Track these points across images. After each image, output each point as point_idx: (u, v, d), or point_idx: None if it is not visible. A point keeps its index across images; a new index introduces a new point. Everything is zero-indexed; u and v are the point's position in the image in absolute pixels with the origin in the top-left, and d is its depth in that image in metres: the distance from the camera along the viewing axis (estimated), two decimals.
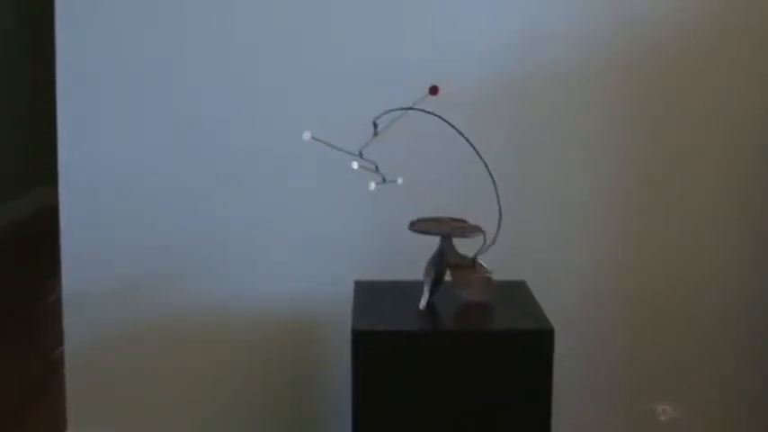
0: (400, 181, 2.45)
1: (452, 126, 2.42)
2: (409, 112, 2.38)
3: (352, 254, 2.95)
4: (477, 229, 2.45)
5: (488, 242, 2.44)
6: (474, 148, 2.41)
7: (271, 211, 3.00)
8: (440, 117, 2.40)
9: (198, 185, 2.99)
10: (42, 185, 5.65)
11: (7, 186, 6.04)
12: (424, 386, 2.36)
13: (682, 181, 3.03)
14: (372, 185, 2.40)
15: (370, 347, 2.36)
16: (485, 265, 2.45)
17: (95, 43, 2.94)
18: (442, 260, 2.47)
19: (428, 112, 2.39)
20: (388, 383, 2.36)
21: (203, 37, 2.94)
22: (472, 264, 2.45)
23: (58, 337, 3.10)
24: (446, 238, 2.46)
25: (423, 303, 2.46)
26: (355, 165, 2.40)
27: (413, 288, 2.48)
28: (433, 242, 2.48)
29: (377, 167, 2.40)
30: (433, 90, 2.37)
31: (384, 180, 2.41)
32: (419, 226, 2.47)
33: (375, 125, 2.38)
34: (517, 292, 2.58)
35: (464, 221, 2.49)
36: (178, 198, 3.00)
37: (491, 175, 2.41)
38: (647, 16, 2.94)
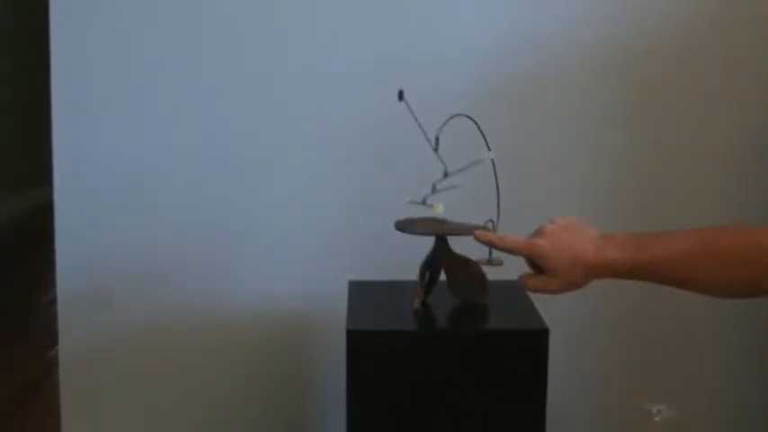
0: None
1: (478, 128, 2.39)
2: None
3: (347, 253, 2.95)
4: (473, 228, 2.42)
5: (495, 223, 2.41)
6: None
7: (268, 211, 3.00)
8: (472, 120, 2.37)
9: (195, 185, 2.99)
10: (38, 185, 5.66)
11: (3, 185, 6.05)
12: (418, 386, 2.34)
13: (680, 181, 3.02)
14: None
15: (364, 347, 2.34)
16: (479, 263, 2.43)
17: (91, 41, 2.94)
18: (437, 260, 2.45)
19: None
20: (382, 383, 2.35)
21: (202, 36, 2.93)
22: (466, 262, 2.44)
23: (52, 338, 3.09)
24: (441, 238, 2.44)
25: (417, 303, 2.44)
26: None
27: (407, 288, 2.47)
28: (427, 242, 2.46)
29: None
30: (400, 95, 2.33)
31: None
32: (416, 226, 2.44)
33: (437, 139, 2.32)
34: (512, 292, 2.56)
35: (446, 220, 2.45)
36: (174, 198, 3.00)
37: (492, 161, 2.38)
38: (645, 16, 2.93)
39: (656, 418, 2.98)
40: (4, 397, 3.62)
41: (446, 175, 2.34)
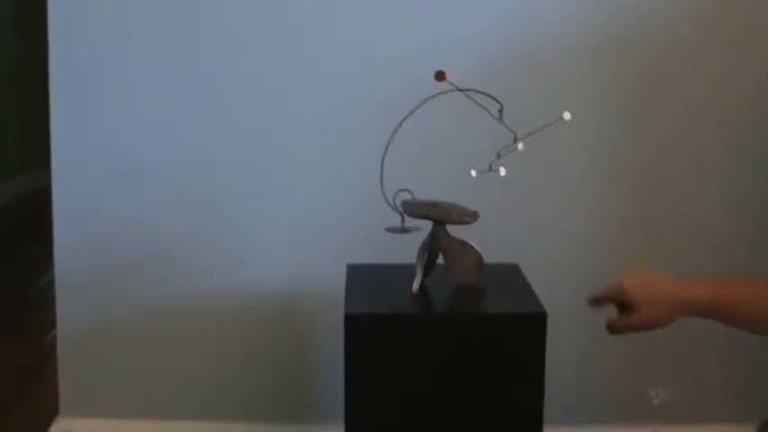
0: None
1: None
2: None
3: (345, 236, 2.95)
4: (470, 214, 2.43)
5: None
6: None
7: (265, 196, 3.00)
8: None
9: (193, 170, 3.00)
10: (35, 168, 5.66)
11: (1, 169, 6.05)
12: (416, 369, 2.34)
13: (677, 168, 3.02)
14: (473, 173, 2.36)
15: (362, 330, 2.34)
16: (476, 246, 2.43)
17: (89, 29, 2.94)
18: (435, 243, 2.45)
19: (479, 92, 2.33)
20: (380, 366, 2.35)
21: (201, 27, 2.93)
22: (464, 246, 2.43)
23: (50, 321, 3.09)
24: (438, 222, 2.44)
25: (415, 286, 2.44)
26: (474, 173, 2.36)
27: (405, 271, 2.47)
28: (425, 224, 2.46)
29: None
30: (440, 75, 2.31)
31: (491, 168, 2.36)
32: (412, 209, 2.44)
33: (500, 110, 2.32)
34: (510, 276, 2.57)
35: (453, 204, 2.45)
36: (172, 182, 3.00)
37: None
38: (645, 5, 2.92)
39: (655, 401, 3.00)
40: (3, 381, 3.63)
41: (515, 140, 2.34)
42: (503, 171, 2.35)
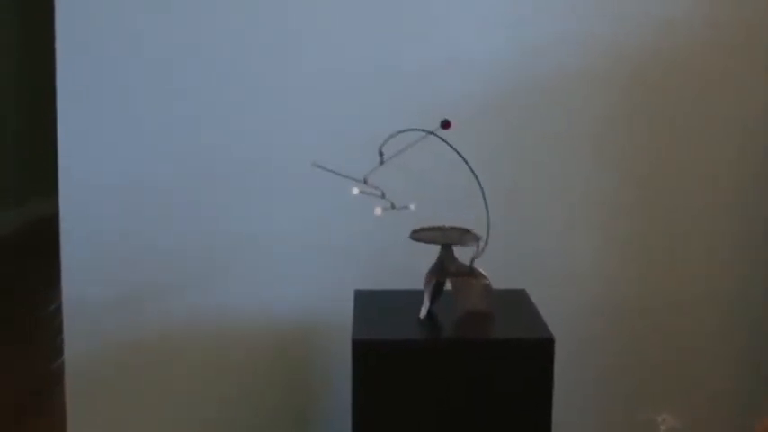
0: (412, 207, 2.39)
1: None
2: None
3: (353, 262, 2.95)
4: (476, 237, 2.44)
5: (481, 247, 2.42)
6: (467, 162, 2.39)
7: (272, 221, 3.00)
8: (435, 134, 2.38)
9: (199, 195, 2.99)
10: (41, 195, 5.67)
11: (6, 196, 6.06)
12: (424, 395, 2.35)
13: (682, 188, 3.02)
14: (378, 211, 2.38)
15: (370, 357, 2.35)
16: (483, 272, 2.44)
17: (96, 50, 2.94)
18: (442, 269, 2.45)
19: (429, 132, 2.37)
20: (388, 392, 2.36)
21: (206, 43, 2.93)
22: (471, 272, 2.44)
23: (58, 348, 3.09)
24: (446, 247, 2.45)
25: (423, 312, 2.45)
26: (356, 191, 2.39)
27: (413, 297, 2.48)
28: (433, 251, 2.47)
29: (383, 194, 2.38)
30: (446, 125, 2.35)
31: (393, 206, 2.39)
32: (420, 235, 2.46)
33: (381, 153, 2.36)
34: (518, 301, 2.57)
35: (465, 229, 2.47)
36: (178, 208, 3.00)
37: (478, 180, 2.39)
38: (647, 19, 2.93)
39: (662, 427, 2.98)
40: (10, 408, 3.63)
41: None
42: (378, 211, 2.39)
